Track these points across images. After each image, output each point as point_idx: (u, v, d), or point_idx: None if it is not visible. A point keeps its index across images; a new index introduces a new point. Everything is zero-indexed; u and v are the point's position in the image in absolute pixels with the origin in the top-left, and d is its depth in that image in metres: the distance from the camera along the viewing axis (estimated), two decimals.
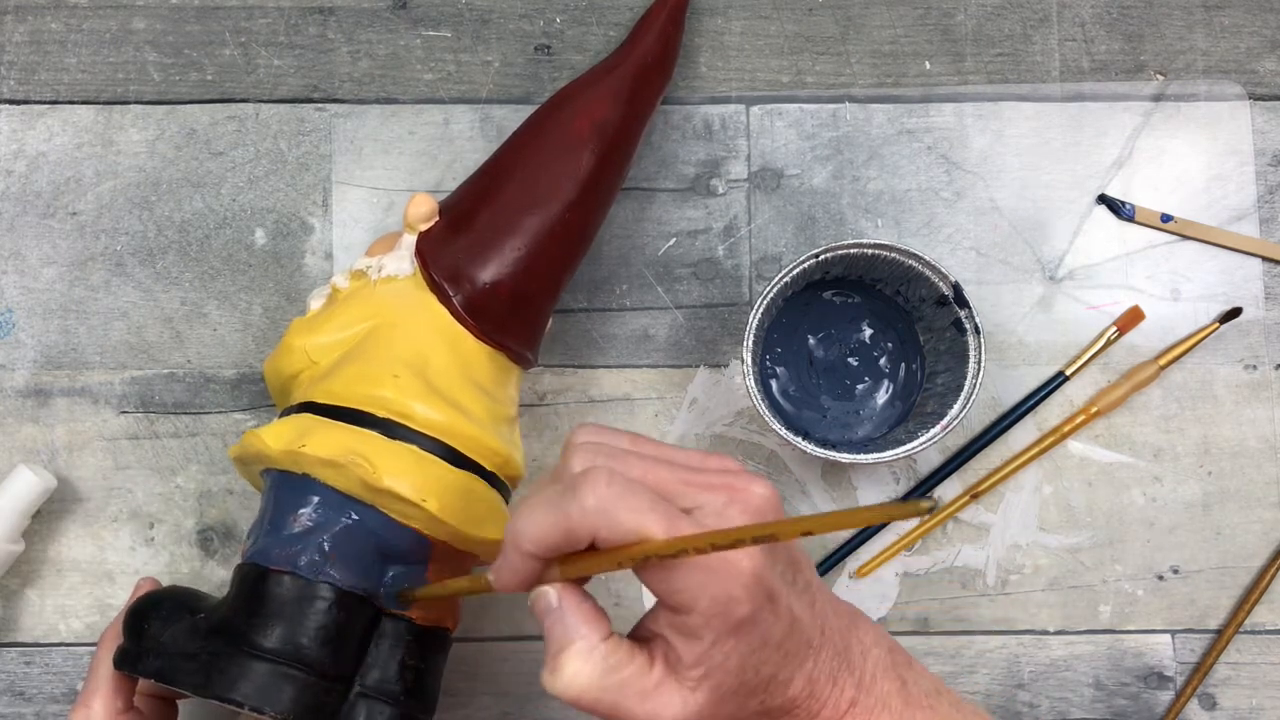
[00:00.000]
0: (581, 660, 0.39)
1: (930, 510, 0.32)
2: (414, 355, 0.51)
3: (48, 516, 0.61)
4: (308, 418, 0.50)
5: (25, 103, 0.63)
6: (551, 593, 0.40)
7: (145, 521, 0.61)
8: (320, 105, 0.63)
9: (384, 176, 0.63)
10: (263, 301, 0.62)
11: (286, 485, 0.49)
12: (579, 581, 0.40)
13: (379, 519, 0.48)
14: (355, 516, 0.48)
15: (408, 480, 0.47)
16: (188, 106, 0.63)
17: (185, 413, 0.61)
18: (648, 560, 0.37)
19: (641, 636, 0.41)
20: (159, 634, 0.48)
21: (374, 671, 0.47)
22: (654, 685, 0.39)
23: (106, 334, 0.62)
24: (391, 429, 0.49)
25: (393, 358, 0.51)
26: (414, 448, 0.49)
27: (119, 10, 0.63)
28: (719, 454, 0.41)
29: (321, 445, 0.48)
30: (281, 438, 0.49)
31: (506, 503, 0.53)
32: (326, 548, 0.47)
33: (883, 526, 0.61)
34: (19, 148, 0.62)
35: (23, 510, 0.58)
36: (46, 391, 0.61)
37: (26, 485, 0.58)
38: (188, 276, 0.62)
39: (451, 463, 0.49)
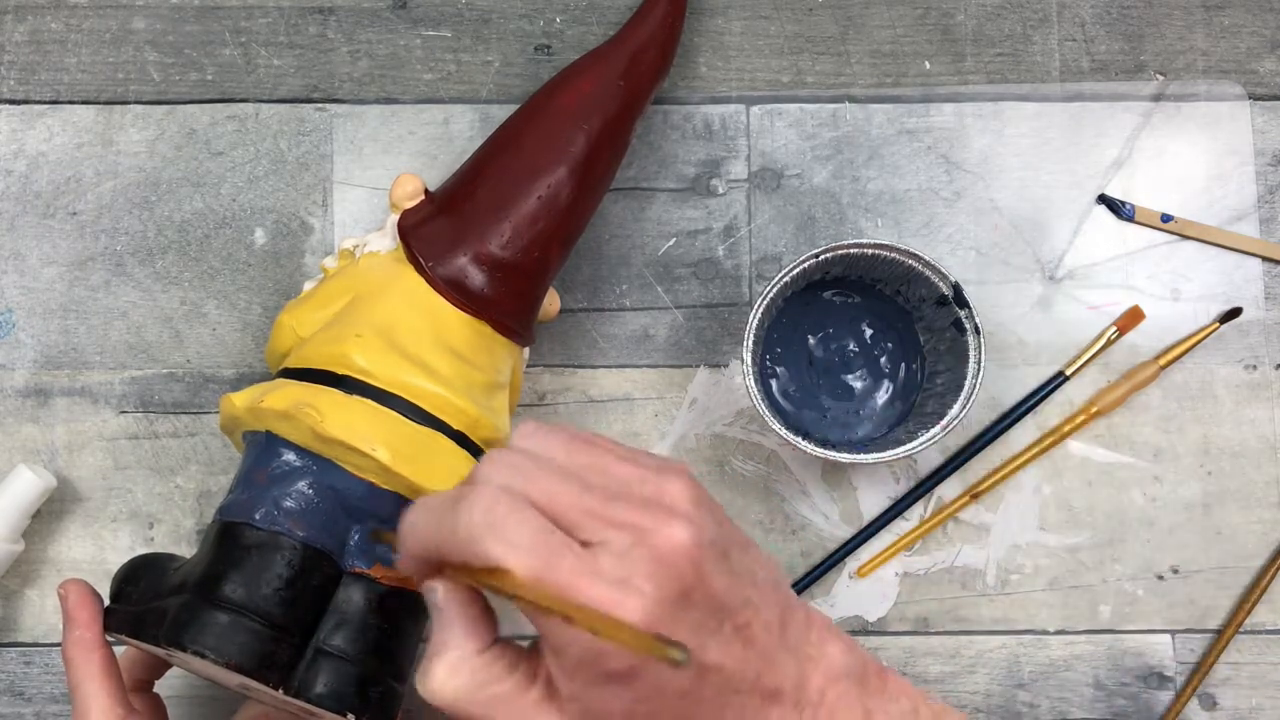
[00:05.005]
0: (449, 671, 0.37)
1: (682, 662, 0.30)
2: (385, 319, 0.51)
3: (48, 516, 0.61)
4: (277, 380, 0.51)
5: (25, 103, 0.63)
6: (438, 590, 0.38)
7: (145, 521, 0.61)
8: (320, 105, 0.63)
9: (384, 176, 0.62)
10: (262, 301, 0.62)
11: (256, 444, 0.50)
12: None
13: (337, 473, 0.49)
14: (315, 470, 0.49)
15: (356, 430, 0.48)
16: (188, 106, 0.63)
17: (185, 412, 0.61)
18: (514, 598, 0.34)
19: (535, 647, 0.38)
20: (132, 595, 0.49)
21: (340, 631, 0.47)
22: (531, 704, 0.36)
23: (106, 334, 0.62)
24: (350, 384, 0.50)
25: (361, 320, 0.51)
26: (370, 401, 0.49)
27: (119, 10, 0.63)
28: (668, 467, 0.37)
29: (277, 399, 0.48)
30: (246, 397, 0.50)
31: None
32: (286, 501, 0.48)
33: (883, 526, 0.61)
34: (19, 148, 0.62)
35: (23, 510, 0.58)
36: (46, 391, 0.61)
37: (26, 485, 0.58)
38: (187, 276, 0.62)
39: (415, 419, 0.50)
